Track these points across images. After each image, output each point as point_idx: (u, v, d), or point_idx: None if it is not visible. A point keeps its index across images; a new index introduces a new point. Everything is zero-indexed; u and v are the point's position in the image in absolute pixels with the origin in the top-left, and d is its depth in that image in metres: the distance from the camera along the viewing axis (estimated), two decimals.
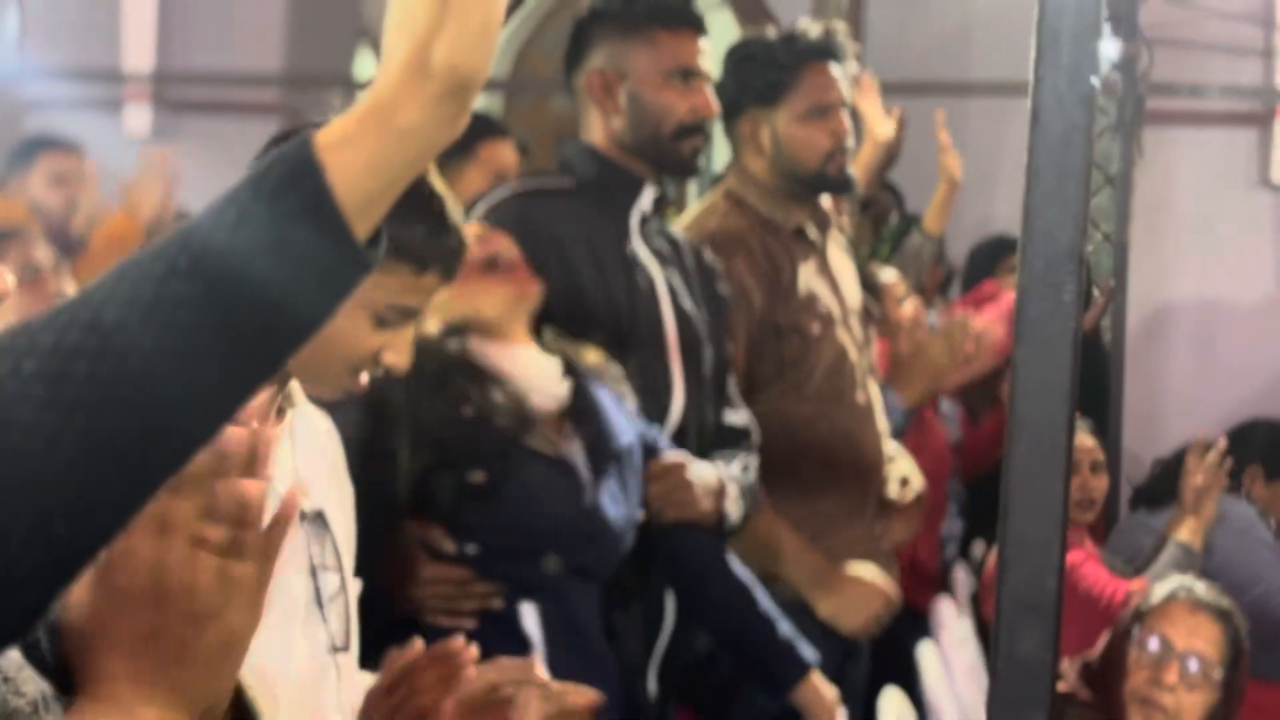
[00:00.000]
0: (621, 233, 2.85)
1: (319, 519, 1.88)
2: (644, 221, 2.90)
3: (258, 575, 1.13)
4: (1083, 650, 3.03)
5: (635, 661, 2.73)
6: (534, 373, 2.54)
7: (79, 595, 1.11)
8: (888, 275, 4.12)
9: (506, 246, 2.56)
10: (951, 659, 3.54)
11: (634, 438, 2.61)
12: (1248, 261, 5.21)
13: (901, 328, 4.08)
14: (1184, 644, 2.84)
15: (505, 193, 2.89)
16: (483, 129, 4.56)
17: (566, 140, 2.97)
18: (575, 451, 2.53)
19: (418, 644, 1.94)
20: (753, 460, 2.93)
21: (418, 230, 1.90)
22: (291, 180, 1.08)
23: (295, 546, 1.85)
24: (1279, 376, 5.11)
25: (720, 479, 2.77)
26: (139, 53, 5.87)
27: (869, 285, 3.92)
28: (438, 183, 1.95)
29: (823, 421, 3.17)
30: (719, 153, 3.40)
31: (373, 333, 1.90)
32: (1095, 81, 1.05)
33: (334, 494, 1.96)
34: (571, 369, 2.59)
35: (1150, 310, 5.24)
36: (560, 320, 2.67)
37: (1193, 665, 2.83)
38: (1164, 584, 2.97)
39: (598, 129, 2.90)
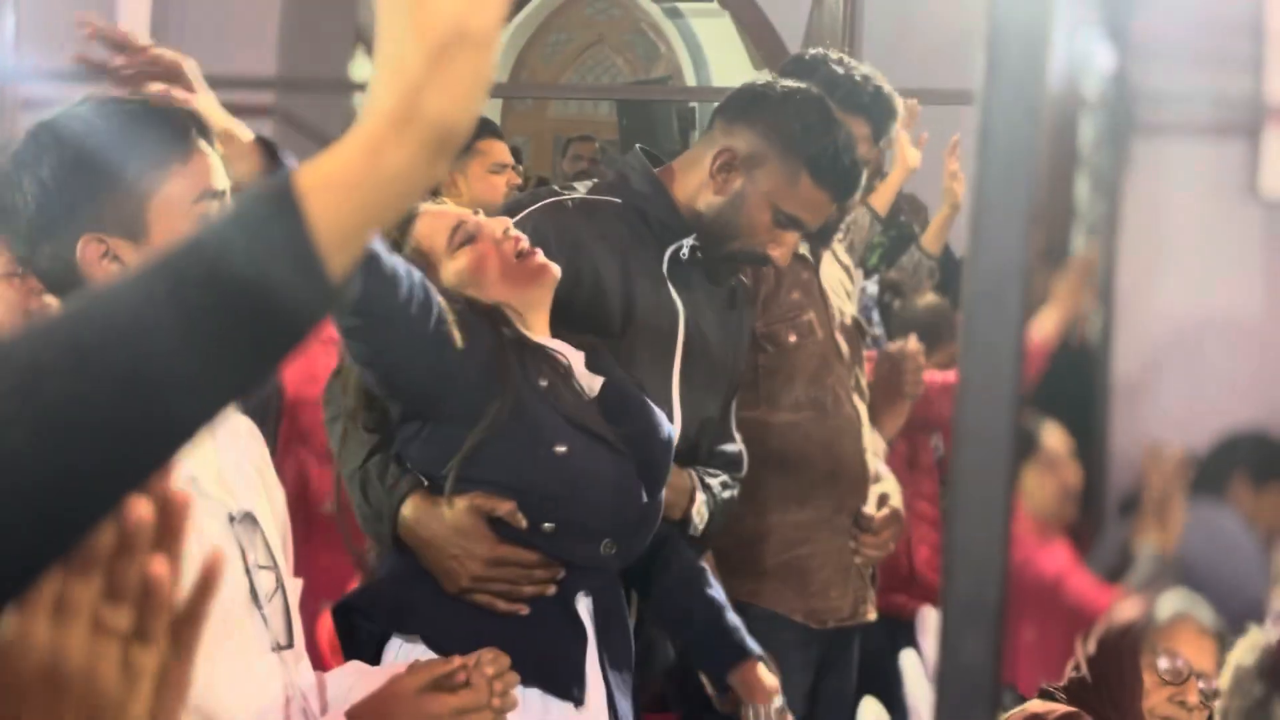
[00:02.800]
0: (656, 259, 2.86)
1: (248, 519, 1.90)
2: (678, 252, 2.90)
3: (169, 660, 1.06)
4: (1065, 665, 3.03)
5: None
6: (573, 360, 2.58)
7: None
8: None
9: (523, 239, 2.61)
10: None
11: (670, 432, 2.65)
12: (1236, 272, 5.22)
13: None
14: (1198, 665, 2.85)
15: (549, 198, 2.87)
16: (479, 127, 4.76)
17: (634, 156, 2.93)
18: (619, 439, 2.55)
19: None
20: (735, 488, 2.94)
21: None
22: (272, 220, 1.08)
23: (227, 548, 1.86)
24: (1267, 386, 5.12)
25: (693, 484, 2.80)
26: None
27: (936, 313, 3.93)
28: None
29: (798, 432, 3.18)
30: None
31: None
32: (1042, 96, 1.06)
33: (262, 494, 1.97)
34: (595, 362, 2.63)
35: (1139, 320, 5.25)
36: (582, 329, 2.71)
37: (1205, 685, 2.84)
38: (1169, 602, 2.96)
39: (689, 184, 2.87)
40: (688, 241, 2.88)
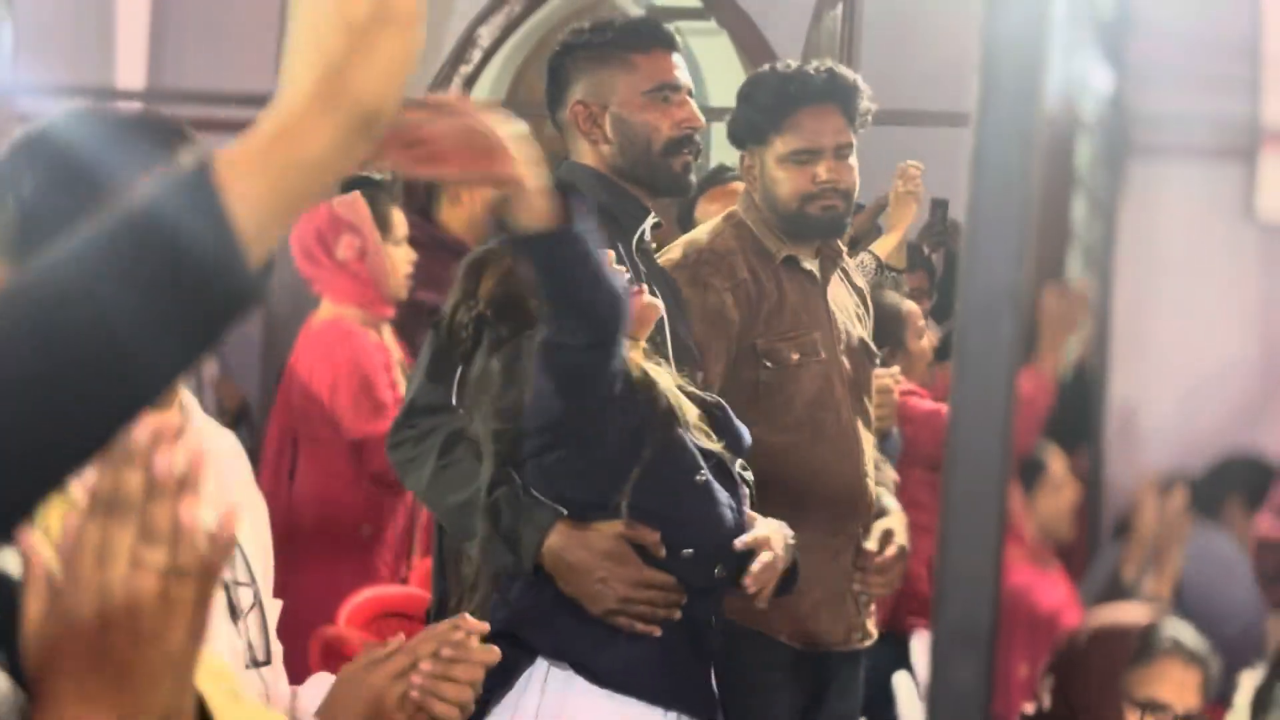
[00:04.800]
0: (626, 257, 2.88)
1: None
2: (638, 246, 2.95)
3: (198, 594, 1.14)
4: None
5: None
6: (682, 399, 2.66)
7: (33, 619, 1.13)
8: (909, 305, 4.14)
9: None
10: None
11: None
12: (1231, 294, 5.24)
13: (919, 359, 4.11)
14: (1182, 704, 2.77)
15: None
16: None
17: (565, 163, 3.02)
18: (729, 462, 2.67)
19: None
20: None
21: None
22: (189, 206, 1.07)
23: None
24: (1261, 410, 5.12)
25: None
26: (131, 71, 5.90)
27: (885, 314, 3.92)
28: None
29: (796, 454, 3.16)
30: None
31: None
32: (1037, 121, 1.06)
33: (243, 512, 1.95)
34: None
35: (1134, 341, 5.26)
36: None
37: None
38: (1156, 636, 2.84)
39: (589, 158, 2.98)
40: (649, 222, 2.97)
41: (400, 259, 4.29)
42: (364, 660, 1.91)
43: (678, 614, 2.55)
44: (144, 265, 1.07)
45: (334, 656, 3.46)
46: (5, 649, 1.15)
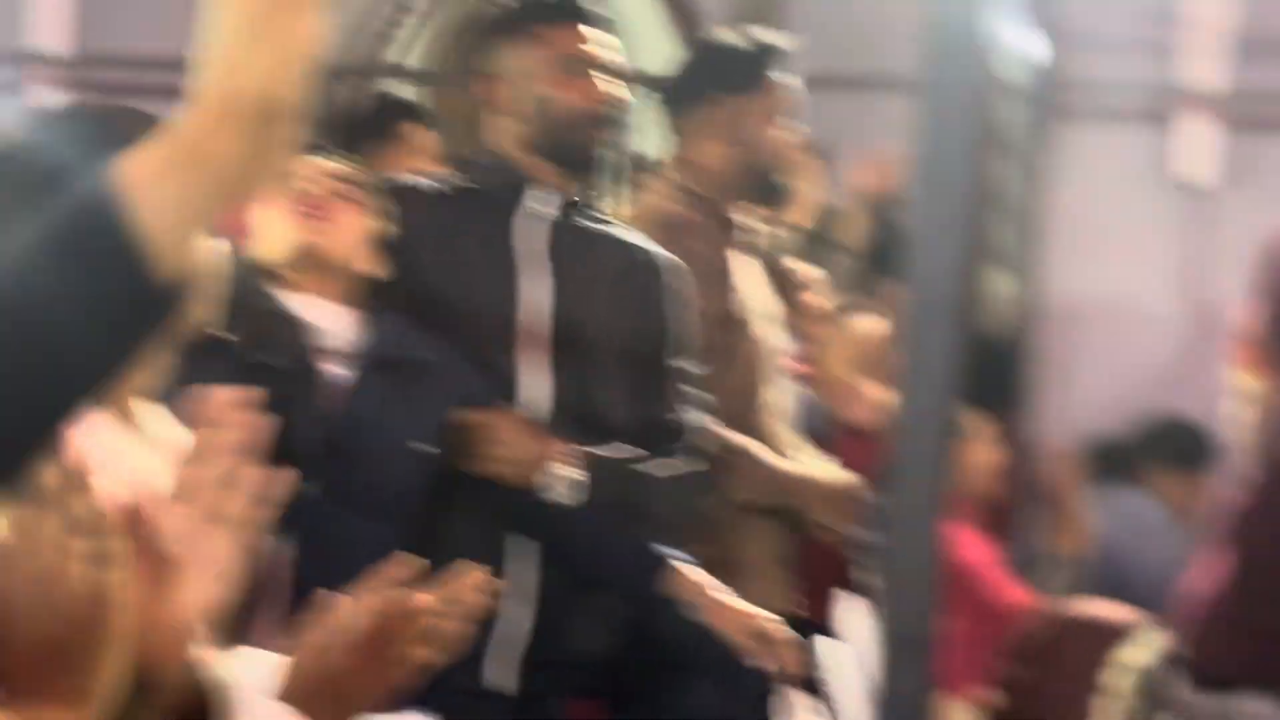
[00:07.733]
0: (495, 230, 2.87)
1: None
2: (552, 222, 2.89)
3: (124, 578, 1.18)
4: (968, 655, 2.88)
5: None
6: (314, 313, 2.70)
7: None
8: (789, 261, 4.18)
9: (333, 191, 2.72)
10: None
11: (446, 372, 2.72)
12: (1151, 258, 5.31)
13: (808, 313, 4.13)
14: None
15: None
16: (398, 110, 4.64)
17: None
18: (340, 371, 2.67)
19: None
20: (684, 462, 2.91)
21: None
22: (97, 224, 1.09)
23: None
24: (1182, 372, 5.19)
25: (547, 450, 2.76)
26: (53, 31, 5.75)
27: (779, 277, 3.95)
28: None
29: (734, 414, 3.19)
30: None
31: None
32: (981, 93, 1.08)
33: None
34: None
35: (1060, 305, 5.31)
36: (403, 302, 2.77)
37: None
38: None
39: (495, 134, 2.92)
40: (535, 205, 2.89)
41: None
42: (321, 636, 1.87)
43: None
44: (63, 276, 1.09)
45: None
46: None
